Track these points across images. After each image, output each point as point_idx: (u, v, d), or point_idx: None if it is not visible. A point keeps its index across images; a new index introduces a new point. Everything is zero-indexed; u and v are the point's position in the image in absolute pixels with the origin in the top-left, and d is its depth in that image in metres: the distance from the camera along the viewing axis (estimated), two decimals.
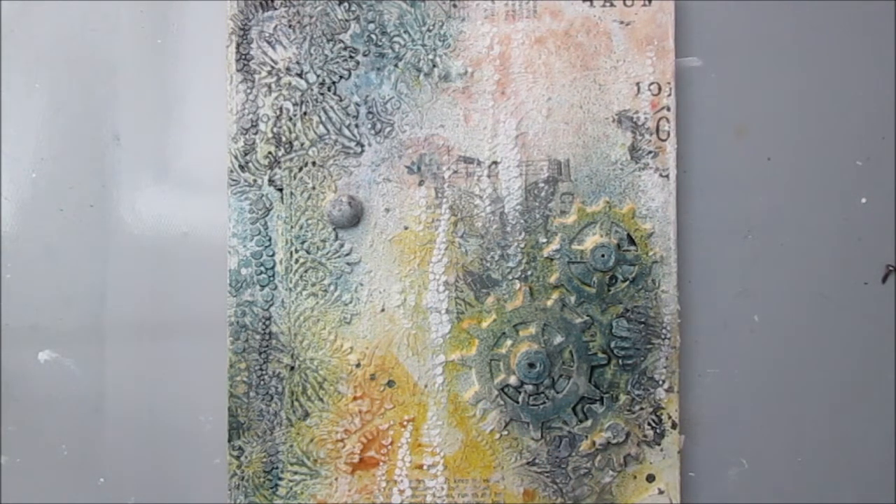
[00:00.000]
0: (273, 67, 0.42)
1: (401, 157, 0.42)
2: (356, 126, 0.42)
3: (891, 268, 0.43)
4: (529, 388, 0.42)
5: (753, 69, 0.44)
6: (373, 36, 0.42)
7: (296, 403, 0.42)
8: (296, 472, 0.42)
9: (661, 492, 0.42)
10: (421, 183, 0.42)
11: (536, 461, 0.42)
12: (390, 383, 0.42)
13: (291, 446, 0.42)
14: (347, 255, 0.42)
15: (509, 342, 0.42)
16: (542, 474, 0.42)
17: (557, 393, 0.42)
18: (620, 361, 0.42)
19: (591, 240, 0.42)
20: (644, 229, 0.42)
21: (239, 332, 0.42)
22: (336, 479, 0.42)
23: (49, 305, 0.44)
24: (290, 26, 0.42)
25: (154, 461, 0.44)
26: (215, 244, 0.43)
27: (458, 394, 0.42)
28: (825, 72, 0.44)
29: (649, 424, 0.42)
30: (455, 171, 0.42)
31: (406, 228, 0.42)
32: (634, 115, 0.42)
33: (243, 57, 0.42)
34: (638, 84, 0.42)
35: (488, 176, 0.42)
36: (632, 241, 0.42)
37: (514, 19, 0.42)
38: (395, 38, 0.42)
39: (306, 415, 0.42)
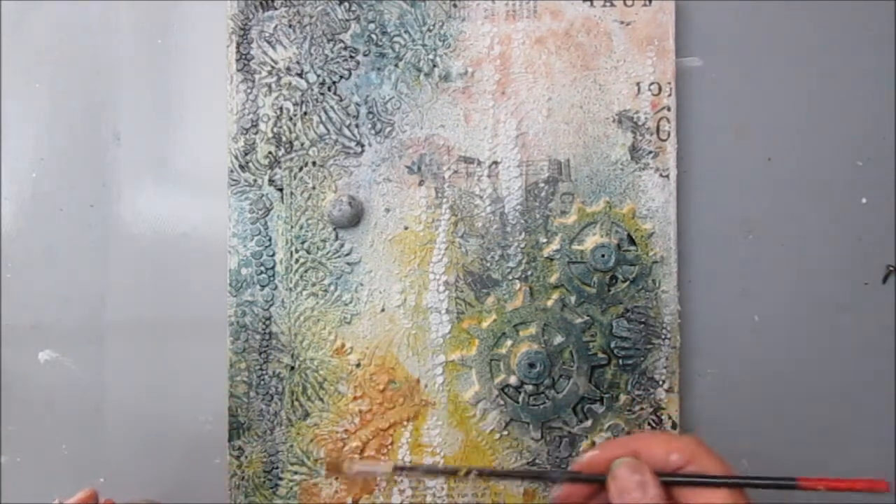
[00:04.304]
0: (273, 67, 0.42)
1: (401, 157, 0.42)
2: (356, 126, 0.42)
3: (891, 268, 0.44)
4: (529, 388, 0.42)
5: (753, 69, 0.44)
6: (373, 36, 0.42)
7: (296, 403, 0.42)
8: (296, 472, 0.42)
9: None
10: (421, 183, 0.42)
11: (537, 461, 0.42)
12: (390, 383, 0.42)
13: (291, 446, 0.42)
14: (347, 255, 0.42)
15: (509, 342, 0.42)
16: None
17: (558, 393, 0.42)
18: (620, 361, 0.42)
19: (592, 240, 0.42)
20: (644, 229, 0.42)
21: (239, 332, 0.42)
22: (336, 478, 0.42)
23: (49, 305, 0.44)
24: (290, 26, 0.42)
25: (154, 461, 0.44)
26: (215, 244, 0.43)
27: (458, 394, 0.42)
28: (825, 72, 0.44)
29: (649, 424, 0.42)
30: (455, 171, 0.42)
31: (406, 228, 0.42)
32: (635, 115, 0.42)
33: (243, 57, 0.42)
34: (638, 84, 0.42)
35: (488, 176, 0.42)
36: (632, 241, 0.42)
37: (515, 19, 0.42)
38: (396, 38, 0.42)
39: (306, 415, 0.42)
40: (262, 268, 0.42)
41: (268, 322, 0.42)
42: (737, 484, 0.32)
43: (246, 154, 0.42)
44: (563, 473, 0.35)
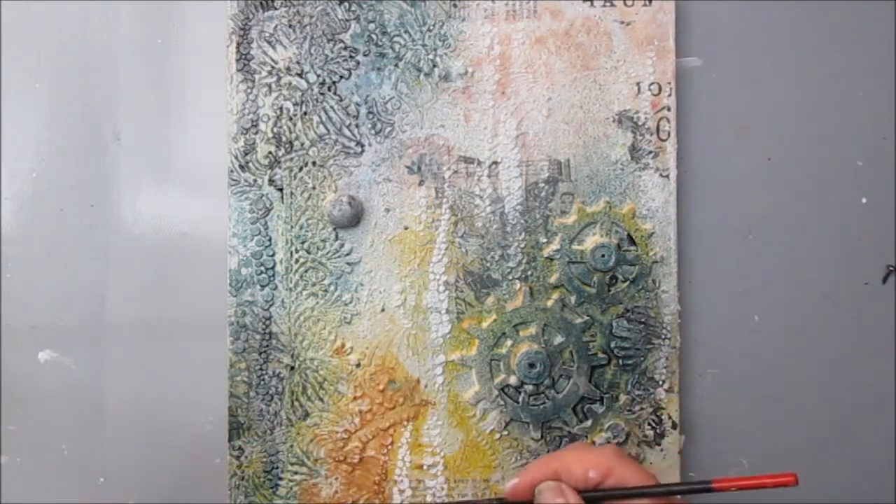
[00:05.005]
0: (273, 67, 0.42)
1: (401, 157, 0.42)
2: (356, 126, 0.42)
3: (891, 268, 0.44)
4: (529, 388, 0.42)
5: (753, 69, 0.44)
6: (373, 36, 0.42)
7: (296, 403, 0.42)
8: (296, 472, 0.42)
9: None
10: (421, 183, 0.42)
11: None
12: (390, 383, 0.42)
13: (291, 446, 0.42)
14: (347, 255, 0.42)
15: (509, 342, 0.42)
16: None
17: (557, 393, 0.42)
18: (620, 361, 0.42)
19: (592, 240, 0.42)
20: (644, 229, 0.42)
21: (239, 332, 0.42)
22: (336, 478, 0.42)
23: (49, 305, 0.44)
24: (290, 26, 0.42)
25: (154, 461, 0.44)
26: (215, 244, 0.43)
27: (458, 394, 0.42)
28: (825, 72, 0.44)
29: (649, 424, 0.42)
30: (455, 171, 0.42)
31: (406, 228, 0.42)
32: (635, 115, 0.42)
33: (243, 57, 0.42)
34: (638, 84, 0.42)
35: (488, 176, 0.42)
36: (632, 241, 0.42)
37: (515, 19, 0.42)
38: (396, 38, 0.42)
39: (306, 415, 0.42)
40: (262, 268, 0.42)
41: (268, 322, 0.42)
42: (654, 493, 0.33)
43: (246, 154, 0.42)
44: (490, 502, 0.37)
